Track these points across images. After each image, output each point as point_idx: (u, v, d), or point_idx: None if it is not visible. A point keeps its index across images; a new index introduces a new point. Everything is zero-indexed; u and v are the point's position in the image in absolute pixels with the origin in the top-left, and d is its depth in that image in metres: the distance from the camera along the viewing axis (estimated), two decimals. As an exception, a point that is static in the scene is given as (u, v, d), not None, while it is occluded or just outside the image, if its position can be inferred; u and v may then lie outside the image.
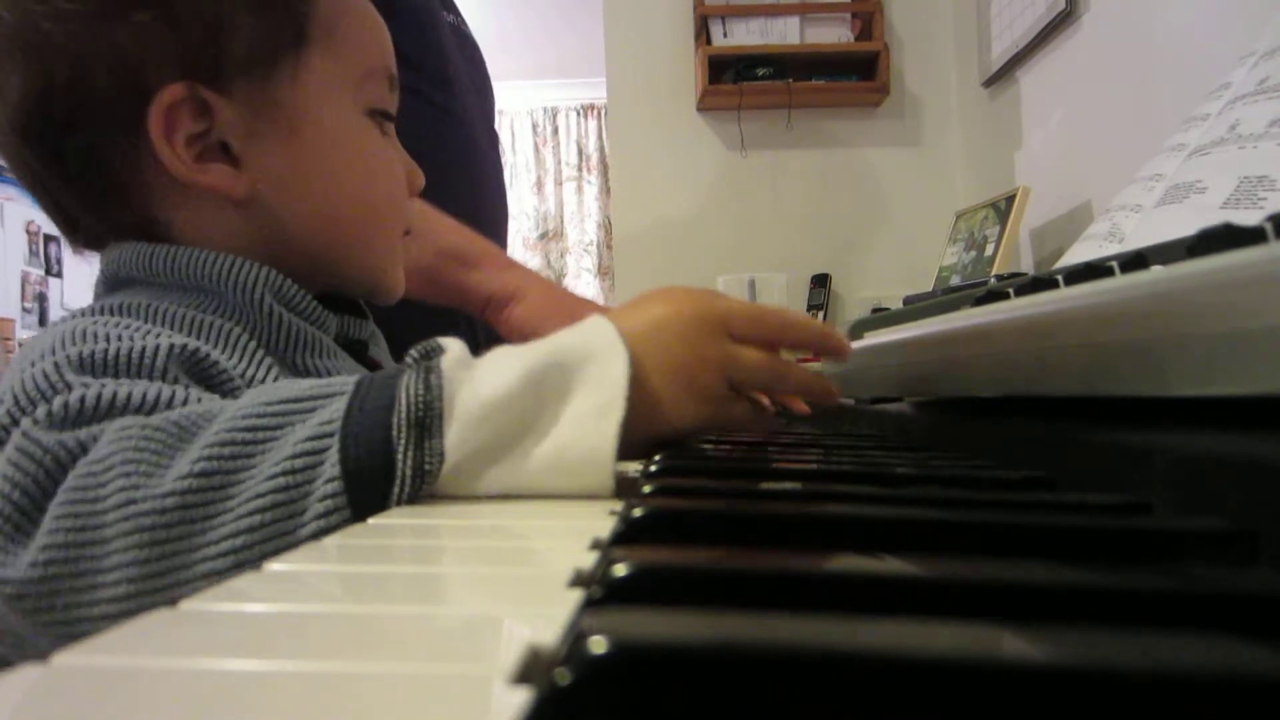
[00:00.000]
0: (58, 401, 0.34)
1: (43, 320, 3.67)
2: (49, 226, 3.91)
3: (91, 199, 0.46)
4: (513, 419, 0.33)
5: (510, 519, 0.27)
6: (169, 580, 0.31)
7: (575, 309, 0.85)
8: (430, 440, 0.31)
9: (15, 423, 0.35)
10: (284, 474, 0.31)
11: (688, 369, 0.40)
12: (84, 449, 0.33)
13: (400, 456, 0.31)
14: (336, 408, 0.33)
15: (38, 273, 3.67)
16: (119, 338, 0.39)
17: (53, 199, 0.47)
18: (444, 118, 1.00)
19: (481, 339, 0.93)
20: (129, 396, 0.35)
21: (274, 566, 0.19)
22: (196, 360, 0.39)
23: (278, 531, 0.30)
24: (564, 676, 0.11)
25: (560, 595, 0.16)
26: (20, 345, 1.92)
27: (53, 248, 3.75)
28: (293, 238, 0.47)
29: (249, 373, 0.42)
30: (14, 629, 0.34)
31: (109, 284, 0.47)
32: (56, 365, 0.36)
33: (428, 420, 0.32)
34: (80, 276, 3.75)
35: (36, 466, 0.33)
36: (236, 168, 0.45)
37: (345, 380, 0.34)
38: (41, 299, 3.72)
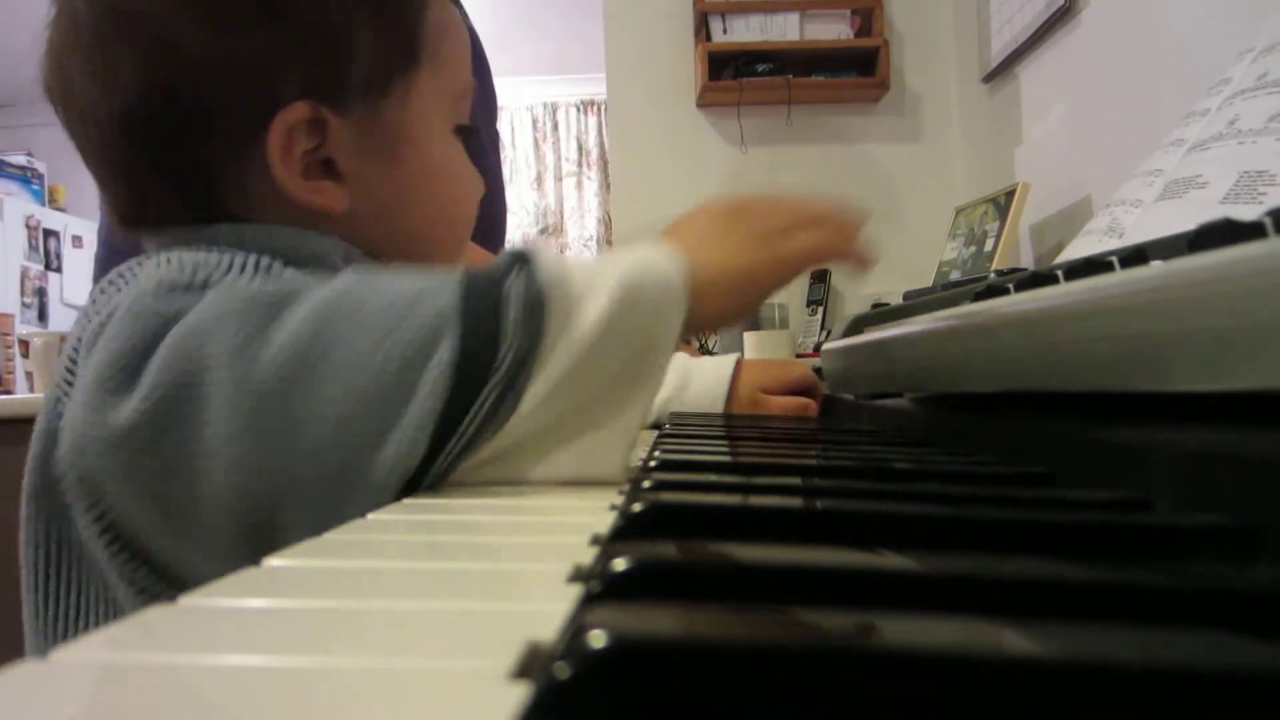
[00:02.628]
0: (166, 275, 0.36)
1: (42, 315, 3.67)
2: (49, 221, 3.91)
3: (181, 197, 0.44)
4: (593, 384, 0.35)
5: (509, 515, 0.27)
6: (277, 445, 0.32)
7: None
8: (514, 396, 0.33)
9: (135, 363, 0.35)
10: (407, 344, 0.33)
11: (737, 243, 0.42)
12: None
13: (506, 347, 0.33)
14: (451, 296, 0.34)
15: (37, 267, 3.67)
16: (210, 262, 0.39)
17: (129, 185, 0.45)
18: None
19: None
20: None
21: (273, 562, 0.19)
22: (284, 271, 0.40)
23: (388, 405, 0.32)
24: (563, 671, 0.11)
25: (560, 590, 0.16)
26: (19, 341, 1.92)
27: (52, 242, 3.74)
28: (377, 250, 0.47)
29: None
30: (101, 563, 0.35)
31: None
32: (151, 294, 0.36)
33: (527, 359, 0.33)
34: (80, 271, 3.75)
35: (144, 326, 0.34)
36: (339, 183, 0.45)
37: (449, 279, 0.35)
38: (41, 294, 3.72)
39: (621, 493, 0.28)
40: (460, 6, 1.11)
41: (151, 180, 0.44)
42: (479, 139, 1.08)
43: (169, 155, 0.43)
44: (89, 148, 0.44)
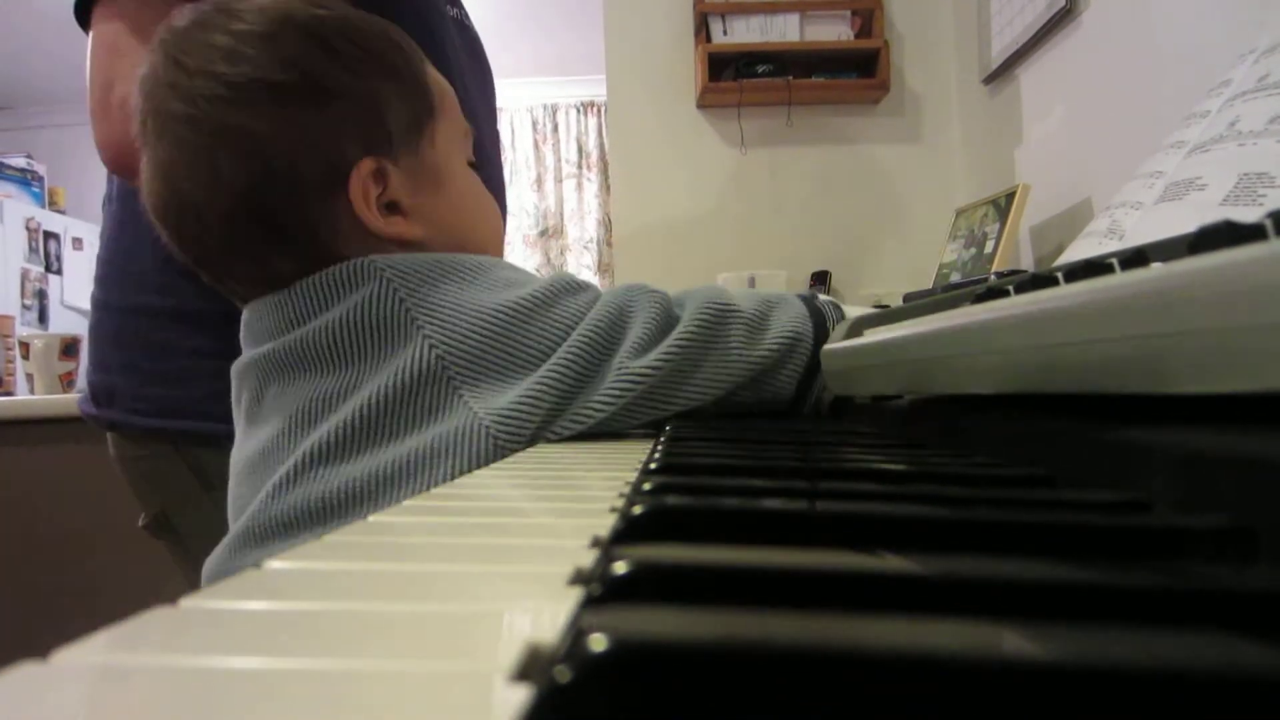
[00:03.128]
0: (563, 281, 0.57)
1: (42, 317, 3.67)
2: (49, 223, 3.91)
3: (297, 256, 0.55)
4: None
5: (509, 517, 0.27)
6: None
7: None
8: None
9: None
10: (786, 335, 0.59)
11: None
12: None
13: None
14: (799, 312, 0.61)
15: (37, 270, 3.67)
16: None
17: (250, 259, 0.56)
18: None
19: None
20: None
21: (274, 564, 0.19)
22: None
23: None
24: (564, 674, 0.11)
25: (560, 593, 0.16)
26: (19, 343, 1.92)
27: (52, 245, 3.75)
28: None
29: None
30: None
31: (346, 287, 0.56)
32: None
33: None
34: (80, 274, 3.75)
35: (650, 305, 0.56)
36: (406, 218, 0.57)
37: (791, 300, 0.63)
38: (41, 296, 3.72)
39: (621, 495, 0.28)
40: (460, 4, 1.12)
41: (271, 251, 0.55)
42: (484, 140, 1.08)
43: (283, 224, 0.54)
44: (206, 242, 0.55)
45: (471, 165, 0.64)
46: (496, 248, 0.67)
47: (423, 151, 0.58)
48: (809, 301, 0.61)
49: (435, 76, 0.61)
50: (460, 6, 1.12)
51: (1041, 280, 0.32)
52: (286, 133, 0.52)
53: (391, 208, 0.56)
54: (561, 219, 4.07)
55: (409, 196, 0.57)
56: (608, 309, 0.54)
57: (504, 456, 0.48)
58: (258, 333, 0.56)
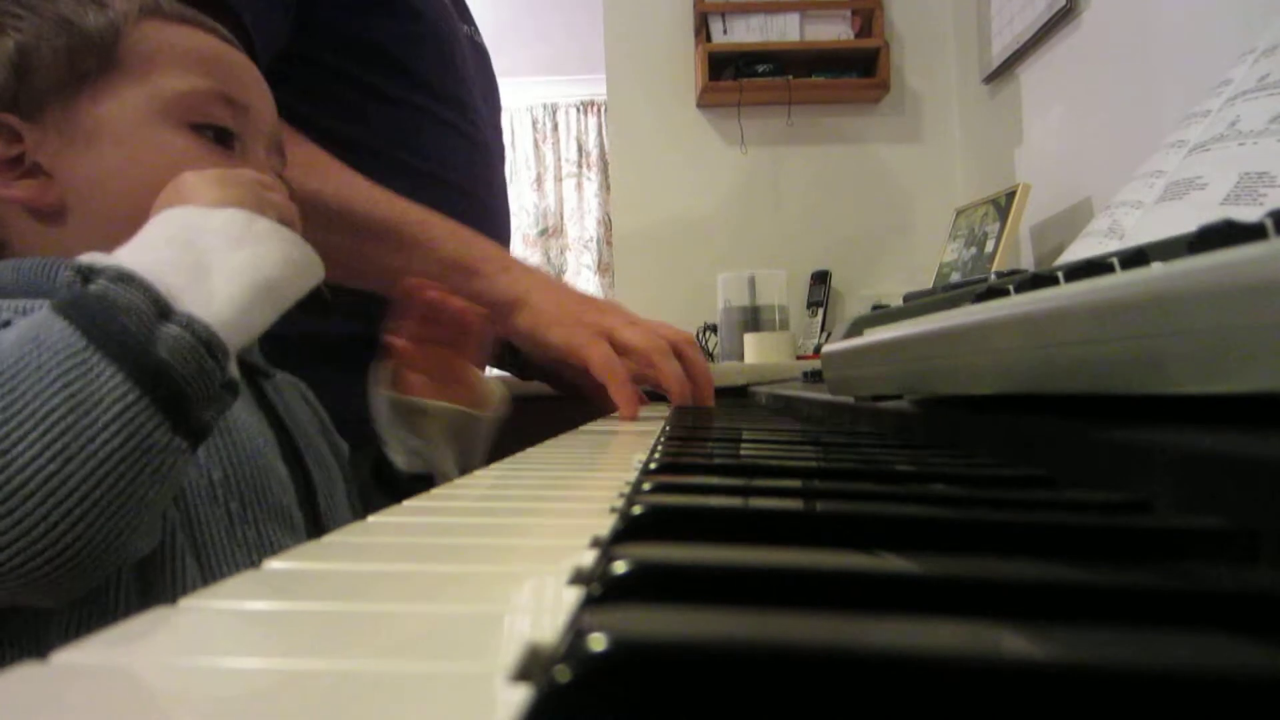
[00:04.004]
0: None
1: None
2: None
3: None
4: None
5: (509, 517, 0.27)
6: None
7: (582, 311, 0.84)
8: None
9: None
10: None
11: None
12: None
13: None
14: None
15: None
16: None
17: None
18: (460, 140, 1.01)
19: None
20: None
21: (273, 564, 0.19)
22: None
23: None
24: (564, 674, 0.11)
25: (560, 593, 0.16)
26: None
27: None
28: (99, 240, 0.50)
29: None
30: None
31: None
32: None
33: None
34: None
35: None
36: (46, 181, 0.52)
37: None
38: None
39: (621, 495, 0.28)
40: (472, 22, 1.12)
41: None
42: (493, 156, 1.09)
43: None
44: None
45: (217, 131, 0.57)
46: None
47: (77, 108, 0.53)
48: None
49: (154, 37, 0.56)
50: (472, 24, 1.13)
51: (1042, 280, 0.32)
52: None
53: (33, 168, 0.52)
54: (561, 218, 4.06)
55: (51, 156, 0.52)
56: None
57: None
58: None
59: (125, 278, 0.40)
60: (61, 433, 0.36)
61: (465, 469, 0.68)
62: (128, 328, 0.38)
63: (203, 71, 0.57)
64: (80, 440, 0.36)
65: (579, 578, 0.17)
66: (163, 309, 0.40)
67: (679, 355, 0.84)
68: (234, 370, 0.42)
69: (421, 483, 0.68)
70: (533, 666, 0.12)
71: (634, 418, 0.77)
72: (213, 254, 0.43)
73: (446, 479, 0.63)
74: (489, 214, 1.03)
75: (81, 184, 0.53)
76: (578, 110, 4.06)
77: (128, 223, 0.49)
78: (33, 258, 0.51)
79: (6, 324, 0.42)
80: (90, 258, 0.42)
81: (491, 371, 0.98)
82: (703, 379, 0.86)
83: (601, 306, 0.89)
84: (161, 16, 0.57)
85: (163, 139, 0.55)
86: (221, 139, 0.57)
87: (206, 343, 0.40)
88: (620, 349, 0.82)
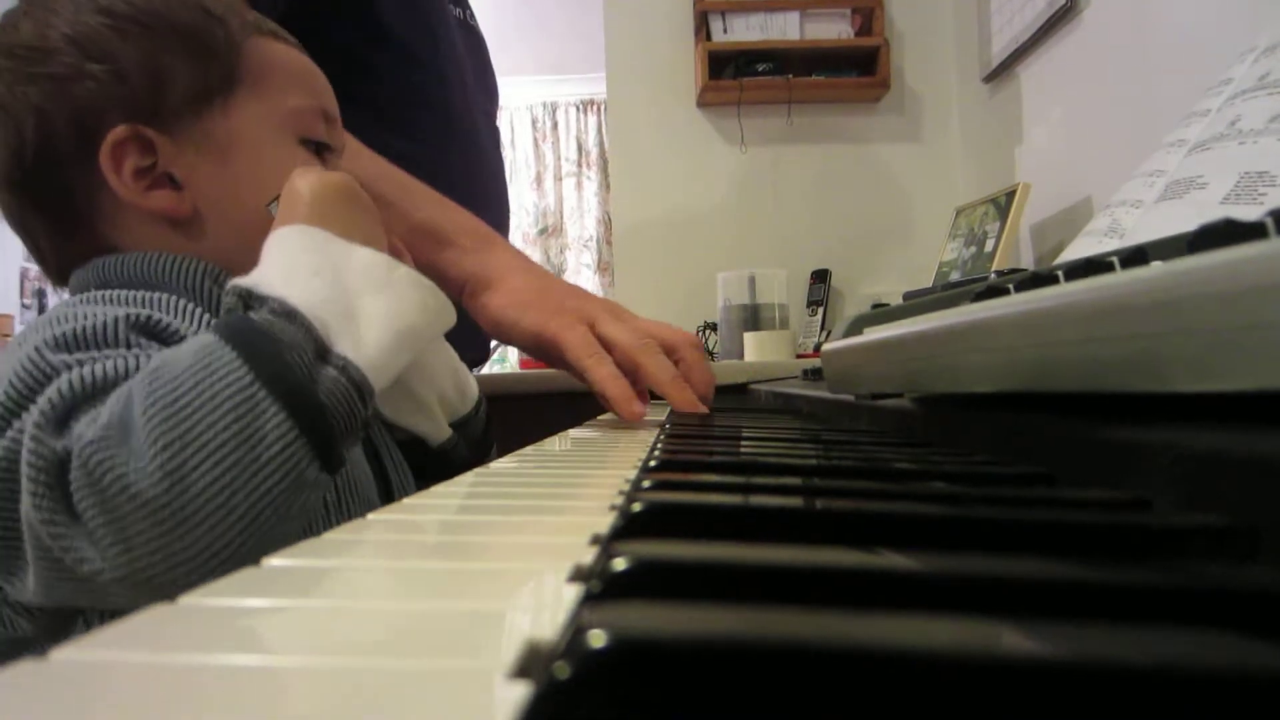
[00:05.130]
0: (46, 398, 0.40)
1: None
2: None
3: (61, 229, 0.55)
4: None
5: (509, 514, 0.27)
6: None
7: (562, 298, 0.76)
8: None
9: (13, 407, 0.41)
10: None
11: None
12: (76, 443, 0.38)
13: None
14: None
15: (37, 269, 3.67)
16: (83, 315, 0.45)
17: (31, 236, 0.56)
18: (449, 120, 1.00)
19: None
20: (103, 375, 0.41)
21: (272, 562, 0.19)
22: (150, 325, 0.46)
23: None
24: (563, 670, 0.11)
25: (560, 590, 0.16)
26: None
27: (52, 243, 3.75)
28: (229, 247, 0.55)
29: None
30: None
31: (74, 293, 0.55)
32: (37, 349, 0.43)
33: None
34: (79, 272, 3.75)
35: (46, 465, 0.38)
36: (179, 191, 0.54)
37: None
38: (40, 295, 3.72)
39: (621, 492, 0.28)
40: (466, 4, 1.11)
41: (38, 222, 0.55)
42: (484, 140, 1.07)
43: (43, 193, 0.54)
44: (2, 212, 0.56)
45: (319, 146, 0.60)
46: None
47: (211, 119, 0.55)
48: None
49: (264, 53, 0.58)
50: (466, 7, 1.12)
51: (1042, 279, 0.32)
52: (46, 94, 0.51)
53: (164, 180, 0.54)
54: (561, 217, 4.06)
55: (185, 169, 0.54)
56: None
57: None
58: None
59: (289, 314, 0.42)
60: (230, 466, 0.38)
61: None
62: (291, 367, 0.40)
63: (306, 89, 0.60)
64: (245, 475, 0.38)
65: (579, 575, 0.17)
66: (321, 350, 0.42)
67: (674, 355, 0.73)
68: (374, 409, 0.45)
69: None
70: (532, 663, 0.12)
71: (633, 416, 0.66)
72: (360, 297, 0.46)
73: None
74: (471, 198, 1.02)
75: (215, 194, 0.55)
76: (577, 109, 4.06)
77: (256, 230, 0.53)
78: (133, 252, 0.53)
79: (175, 334, 0.47)
80: (250, 282, 0.44)
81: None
82: (699, 381, 0.75)
83: (589, 297, 0.78)
84: (265, 34, 0.59)
85: (286, 153, 0.58)
86: (318, 152, 0.60)
87: (358, 386, 0.43)
88: (602, 340, 0.71)
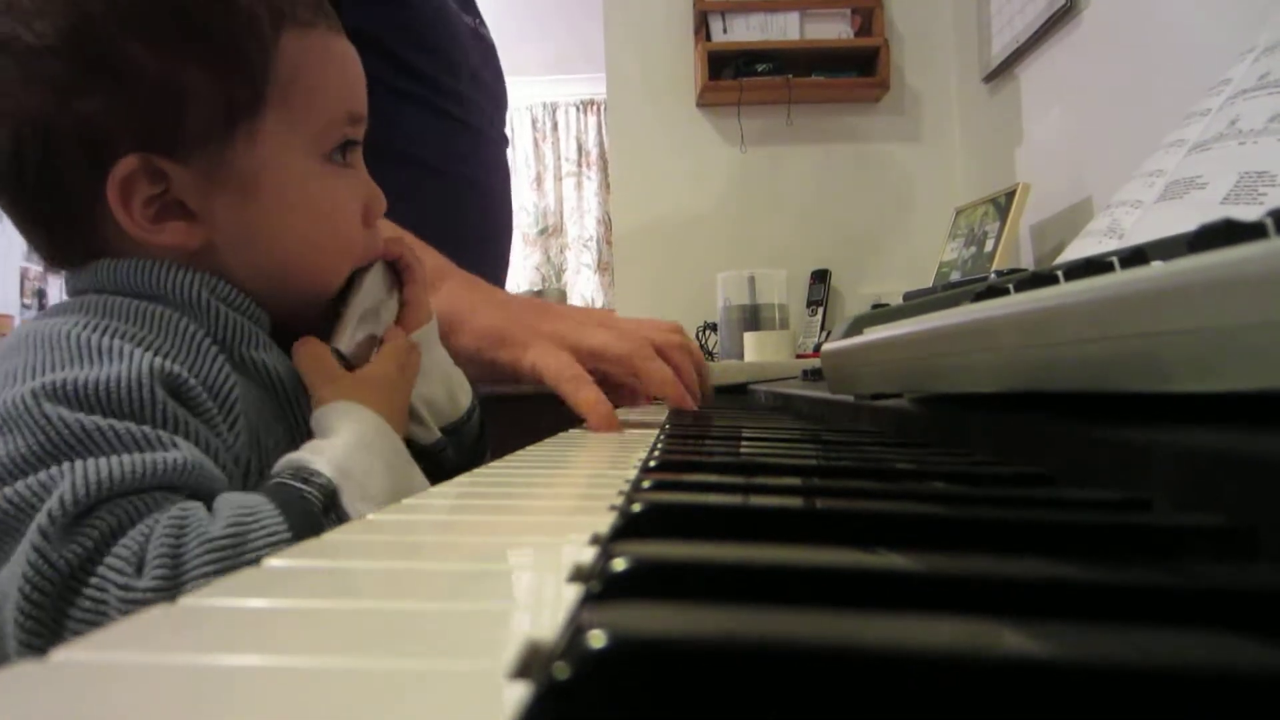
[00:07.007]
0: (57, 499, 0.36)
1: (42, 316, 3.67)
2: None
3: (59, 240, 0.51)
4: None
5: (508, 515, 0.27)
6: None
7: (533, 323, 0.74)
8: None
9: (22, 464, 0.38)
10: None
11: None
12: (94, 551, 0.36)
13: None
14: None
15: (37, 269, 3.66)
16: (91, 351, 0.42)
17: (28, 236, 0.52)
18: (458, 130, 1.00)
19: None
20: (120, 475, 0.37)
21: (273, 563, 0.19)
22: (176, 385, 0.43)
23: None
24: (563, 671, 0.11)
25: (559, 590, 0.16)
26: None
27: (52, 243, 3.74)
28: (240, 279, 0.51)
29: (213, 380, 0.46)
30: None
31: (71, 294, 0.51)
32: (34, 394, 0.39)
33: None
34: (79, 272, 3.75)
35: (50, 584, 0.35)
36: (191, 222, 0.49)
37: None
38: (40, 295, 3.72)
39: (621, 493, 0.28)
40: (477, 13, 1.11)
41: (34, 229, 0.51)
42: (493, 148, 1.07)
43: (35, 207, 0.49)
44: None
45: (345, 147, 0.55)
46: (331, 269, 0.55)
47: (233, 149, 0.49)
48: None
49: (296, 50, 0.51)
50: (477, 15, 1.12)
51: (1041, 279, 0.32)
52: (51, 104, 0.46)
53: (175, 209, 0.49)
54: (561, 217, 4.06)
55: (199, 200, 0.49)
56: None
57: None
58: None
59: (331, 505, 0.42)
60: None
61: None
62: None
63: (336, 92, 0.54)
64: None
65: (579, 575, 0.17)
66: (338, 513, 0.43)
67: (663, 356, 0.73)
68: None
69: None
70: (532, 663, 0.12)
71: (608, 429, 0.65)
72: (378, 475, 0.46)
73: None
74: (481, 199, 1.02)
75: (232, 231, 0.50)
76: (577, 109, 4.06)
77: (274, 271, 0.52)
78: (128, 259, 0.49)
79: (192, 393, 0.44)
80: (314, 463, 0.43)
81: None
82: (690, 379, 0.75)
83: (559, 313, 0.77)
84: (297, 25, 0.51)
85: (314, 185, 0.53)
86: (343, 149, 0.55)
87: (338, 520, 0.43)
88: (593, 356, 0.71)
